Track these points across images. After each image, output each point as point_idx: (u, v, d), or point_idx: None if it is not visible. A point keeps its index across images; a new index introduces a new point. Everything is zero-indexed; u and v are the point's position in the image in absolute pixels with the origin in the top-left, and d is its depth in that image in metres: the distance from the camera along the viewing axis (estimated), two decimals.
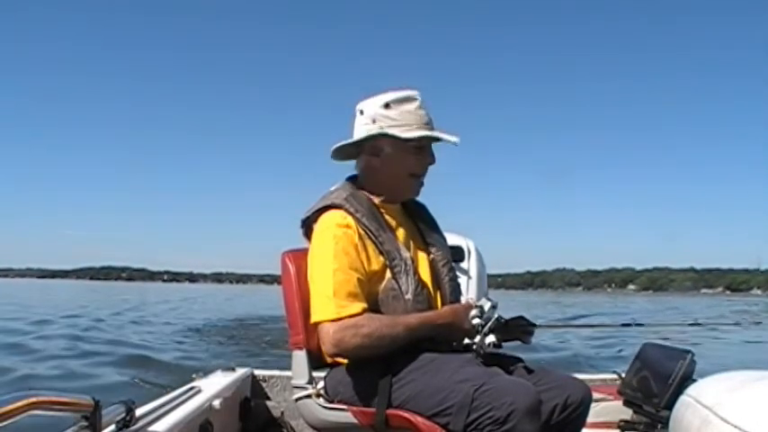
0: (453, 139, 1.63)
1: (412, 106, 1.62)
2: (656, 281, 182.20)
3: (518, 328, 1.56)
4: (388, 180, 1.66)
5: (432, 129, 1.63)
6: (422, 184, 1.69)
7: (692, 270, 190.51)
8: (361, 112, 1.65)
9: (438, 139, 1.65)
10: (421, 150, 1.64)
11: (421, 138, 1.61)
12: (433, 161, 1.66)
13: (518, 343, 1.60)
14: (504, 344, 1.57)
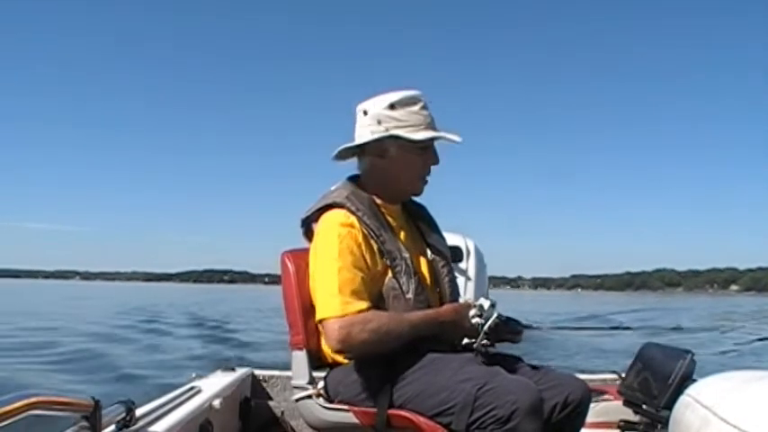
0: (456, 138, 1.64)
1: (416, 107, 1.62)
2: (760, 281, 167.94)
3: (507, 330, 1.57)
4: (394, 181, 1.66)
5: (435, 129, 1.64)
6: (426, 182, 1.70)
7: None
8: (365, 113, 1.64)
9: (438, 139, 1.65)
10: (426, 151, 1.64)
11: (427, 139, 1.61)
12: (436, 161, 1.67)
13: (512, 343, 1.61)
14: (496, 344, 1.58)
